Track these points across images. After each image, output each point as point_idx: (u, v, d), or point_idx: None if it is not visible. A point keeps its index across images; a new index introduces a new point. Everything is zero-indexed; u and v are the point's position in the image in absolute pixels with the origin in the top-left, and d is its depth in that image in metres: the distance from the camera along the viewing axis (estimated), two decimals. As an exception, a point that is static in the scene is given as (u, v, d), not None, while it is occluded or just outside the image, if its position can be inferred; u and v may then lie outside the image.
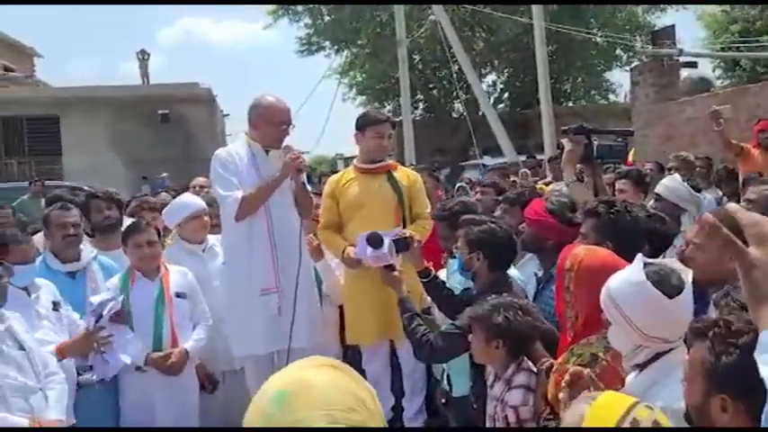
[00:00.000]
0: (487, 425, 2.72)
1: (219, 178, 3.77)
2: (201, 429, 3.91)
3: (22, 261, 3.34)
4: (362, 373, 4.00)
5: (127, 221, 4.32)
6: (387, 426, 1.09)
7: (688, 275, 2.03)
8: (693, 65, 13.36)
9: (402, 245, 3.42)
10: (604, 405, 1.34)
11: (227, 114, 23.07)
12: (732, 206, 1.13)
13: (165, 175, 13.71)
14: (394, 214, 3.99)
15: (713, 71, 19.36)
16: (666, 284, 1.95)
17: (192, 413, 3.86)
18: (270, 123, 3.81)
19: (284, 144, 3.83)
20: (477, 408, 2.97)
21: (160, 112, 17.25)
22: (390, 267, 3.31)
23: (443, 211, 3.86)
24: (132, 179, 15.29)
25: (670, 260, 2.10)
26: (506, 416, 2.54)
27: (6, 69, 21.79)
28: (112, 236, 4.24)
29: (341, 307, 4.30)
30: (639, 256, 2.09)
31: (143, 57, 19.92)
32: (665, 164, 6.20)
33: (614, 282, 2.03)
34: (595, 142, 3.87)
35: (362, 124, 4.11)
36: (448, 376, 3.45)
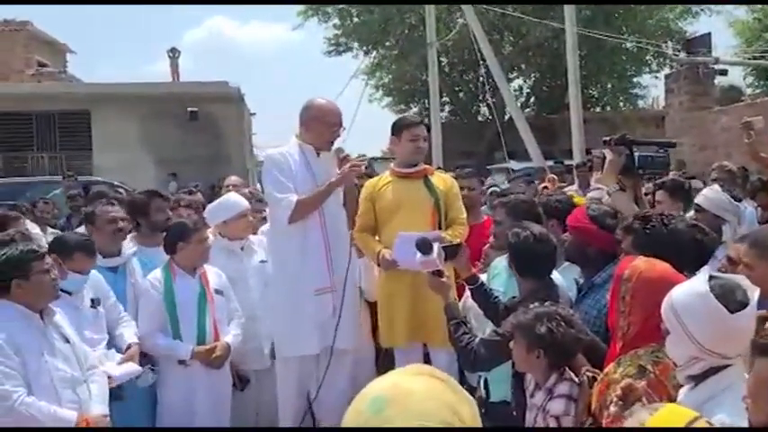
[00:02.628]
0: (527, 432, 2.73)
1: (274, 180, 3.81)
2: (233, 430, 3.97)
3: (80, 270, 3.44)
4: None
5: None
6: None
7: (755, 293, 1.97)
8: (724, 73, 13.22)
9: (451, 251, 3.43)
10: (666, 417, 1.34)
11: (254, 113, 23.24)
12: None
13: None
14: (430, 218, 4.01)
15: (744, 79, 19.13)
16: (730, 299, 1.93)
17: (225, 410, 3.94)
18: (323, 124, 3.89)
19: (335, 146, 3.93)
20: (516, 415, 2.98)
21: (189, 109, 17.38)
22: (439, 273, 3.30)
23: (507, 200, 3.90)
24: (160, 176, 15.43)
25: (738, 276, 2.06)
26: (548, 424, 2.54)
27: (40, 65, 22.15)
28: (144, 236, 4.30)
29: (372, 308, 4.33)
30: (706, 267, 2.09)
31: (174, 55, 20.13)
32: (698, 173, 6.14)
33: (677, 292, 2.01)
34: (636, 153, 3.87)
35: (398, 128, 4.14)
36: (485, 381, 3.45)
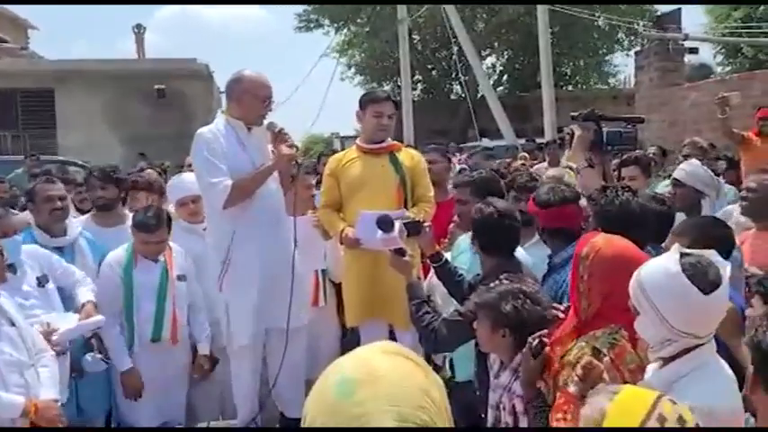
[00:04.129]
0: (490, 414, 2.67)
1: (206, 163, 3.56)
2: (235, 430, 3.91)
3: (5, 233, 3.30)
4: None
5: None
6: (451, 421, 1.01)
7: (726, 269, 1.90)
8: (695, 51, 13.27)
9: (413, 228, 3.35)
10: (627, 400, 1.27)
11: (224, 91, 22.83)
12: None
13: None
14: (395, 195, 3.92)
15: (714, 57, 19.27)
16: (703, 279, 1.84)
17: (182, 387, 3.90)
18: (256, 98, 3.67)
19: (267, 121, 3.72)
20: (479, 394, 2.92)
21: (156, 87, 17.03)
22: (401, 252, 3.21)
23: (471, 177, 3.81)
24: (128, 155, 15.13)
25: (709, 252, 1.96)
26: (514, 405, 2.47)
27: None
28: (108, 214, 4.20)
29: (338, 288, 4.28)
30: (677, 245, 1.97)
31: (139, 31, 19.68)
32: (667, 148, 6.13)
33: (647, 270, 1.91)
34: (605, 129, 3.82)
35: (364, 102, 4.03)
36: (451, 361, 3.40)
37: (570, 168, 3.86)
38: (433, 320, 2.93)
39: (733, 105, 5.74)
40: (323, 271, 4.21)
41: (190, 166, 5.72)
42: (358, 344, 3.67)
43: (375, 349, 1.03)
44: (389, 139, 4.10)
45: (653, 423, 1.21)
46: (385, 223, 3.20)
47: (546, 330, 2.41)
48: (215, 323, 3.95)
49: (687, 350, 1.88)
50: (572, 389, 1.97)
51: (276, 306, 3.65)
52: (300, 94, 26.07)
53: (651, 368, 1.97)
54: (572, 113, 3.93)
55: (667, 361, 1.91)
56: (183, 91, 17.60)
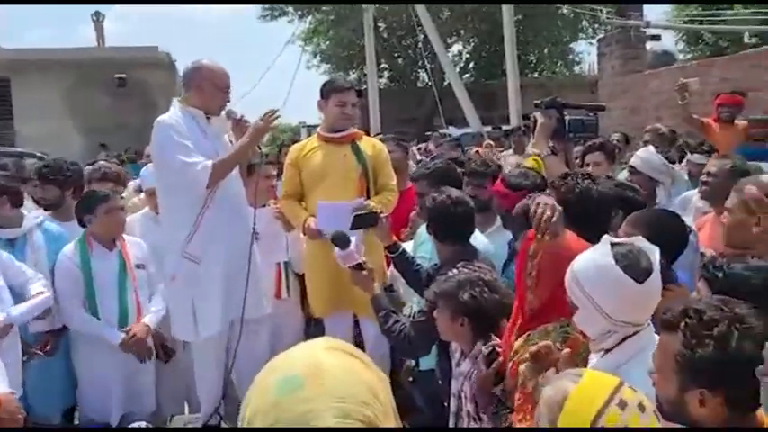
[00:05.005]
0: (452, 402, 2.67)
1: (179, 146, 3.48)
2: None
3: None
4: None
5: None
6: (398, 418, 0.99)
7: (656, 254, 1.91)
8: (657, 38, 13.43)
9: (369, 219, 3.31)
10: (591, 383, 1.27)
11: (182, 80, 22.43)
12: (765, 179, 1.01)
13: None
14: (357, 185, 3.89)
15: (676, 45, 19.53)
16: (636, 268, 1.85)
17: (147, 381, 3.83)
18: (216, 87, 3.63)
19: (225, 110, 3.68)
20: (441, 383, 2.92)
21: (117, 76, 16.68)
22: (359, 266, 3.15)
23: (427, 169, 3.78)
24: (89, 146, 14.82)
25: (637, 239, 1.99)
26: (475, 393, 2.47)
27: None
28: (58, 211, 4.09)
29: (301, 278, 4.25)
30: (606, 237, 1.98)
31: (98, 18, 19.21)
32: (630, 135, 6.18)
33: (580, 264, 1.92)
34: (567, 117, 3.83)
35: (326, 91, 3.98)
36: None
37: (538, 156, 3.86)
38: (402, 328, 2.91)
39: (692, 92, 5.80)
40: (285, 263, 4.17)
41: (148, 156, 5.62)
42: (323, 335, 3.65)
43: (318, 345, 1.00)
44: (351, 127, 4.06)
45: (613, 407, 1.21)
46: (341, 240, 3.13)
47: (499, 341, 2.41)
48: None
49: (626, 338, 1.90)
50: (522, 367, 1.97)
51: (239, 297, 3.61)
52: (266, 83, 25.86)
53: (592, 359, 1.97)
54: (535, 101, 3.94)
55: (608, 351, 1.92)
56: (145, 80, 17.28)
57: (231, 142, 3.74)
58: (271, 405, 0.92)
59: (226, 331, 3.71)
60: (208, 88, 3.61)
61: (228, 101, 3.72)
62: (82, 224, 3.76)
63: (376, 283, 3.14)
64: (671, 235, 2.54)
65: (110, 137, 14.99)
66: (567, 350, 1.90)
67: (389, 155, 4.30)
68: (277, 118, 3.72)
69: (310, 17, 22.09)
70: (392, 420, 0.97)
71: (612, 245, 1.91)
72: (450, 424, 2.67)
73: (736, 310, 1.51)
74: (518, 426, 2.09)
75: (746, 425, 1.48)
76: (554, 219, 2.21)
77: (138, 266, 3.79)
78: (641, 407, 1.22)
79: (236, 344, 3.65)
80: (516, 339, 2.22)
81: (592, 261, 1.90)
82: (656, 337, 1.74)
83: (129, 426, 3.42)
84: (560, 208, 2.27)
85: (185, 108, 3.62)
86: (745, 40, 15.66)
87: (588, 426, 1.18)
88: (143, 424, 3.37)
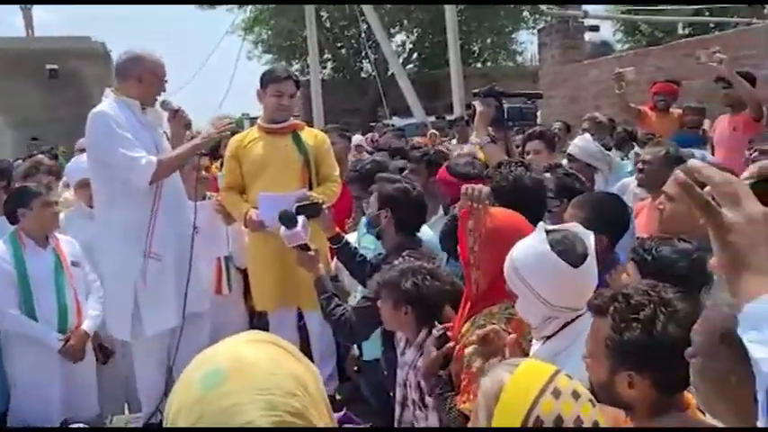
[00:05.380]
0: (398, 391, 2.66)
1: (121, 139, 3.35)
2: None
3: None
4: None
5: None
6: (329, 409, 0.96)
7: (590, 239, 1.95)
8: (596, 28, 13.72)
9: (312, 210, 3.27)
10: (526, 373, 1.27)
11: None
12: (695, 163, 1.01)
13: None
14: (299, 175, 3.85)
15: (614, 35, 20.02)
16: (571, 253, 1.89)
17: (88, 382, 3.74)
18: (156, 77, 3.55)
19: (159, 100, 3.61)
20: (387, 373, 2.91)
21: (48, 67, 16.08)
22: (305, 247, 3.12)
23: (355, 171, 3.75)
24: (20, 140, 14.25)
25: (572, 224, 2.03)
26: (420, 381, 2.46)
27: None
28: None
29: (243, 273, 4.20)
30: (541, 224, 2.01)
31: (26, 6, 18.46)
32: (570, 125, 6.29)
33: (518, 252, 1.95)
34: (506, 105, 3.86)
35: (264, 81, 3.94)
36: (358, 341, 3.37)
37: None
38: (344, 312, 2.89)
39: (629, 81, 5.94)
40: (226, 257, 4.10)
41: (82, 150, 5.43)
42: (267, 330, 3.60)
43: (242, 339, 0.98)
44: (292, 118, 4.00)
45: (548, 396, 1.21)
46: (288, 219, 3.09)
47: (450, 324, 2.41)
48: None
49: (566, 325, 1.93)
50: (468, 350, 1.97)
51: (182, 291, 3.54)
52: (206, 73, 25.34)
53: (535, 346, 1.99)
54: (473, 90, 3.97)
55: (549, 338, 1.94)
56: (78, 71, 16.71)
57: (165, 133, 3.65)
58: (195, 401, 0.89)
59: (169, 329, 3.63)
60: (147, 79, 3.52)
61: (165, 90, 3.63)
62: (12, 220, 3.61)
63: (321, 265, 3.12)
64: (614, 216, 2.59)
65: (42, 130, 14.44)
66: (513, 335, 1.91)
67: (332, 146, 4.27)
68: (231, 127, 3.68)
69: (251, 6, 21.72)
70: (324, 411, 0.94)
71: (548, 231, 1.93)
72: (396, 414, 2.67)
73: (662, 295, 1.55)
74: (462, 407, 2.09)
75: (673, 405, 1.52)
76: (483, 193, 2.22)
77: (73, 264, 3.68)
78: (575, 394, 1.23)
79: (177, 340, 3.56)
80: (464, 323, 2.22)
81: (528, 248, 1.92)
82: None
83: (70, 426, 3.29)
84: (487, 188, 2.29)
85: (120, 98, 3.50)
86: (680, 30, 16.18)
87: (523, 416, 1.18)
88: (80, 426, 3.25)
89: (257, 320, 4.27)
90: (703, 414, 1.47)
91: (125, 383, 4.06)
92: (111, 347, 3.95)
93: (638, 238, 2.60)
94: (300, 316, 4.06)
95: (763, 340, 0.90)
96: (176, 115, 3.63)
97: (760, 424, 0.93)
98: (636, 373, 1.49)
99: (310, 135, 4.00)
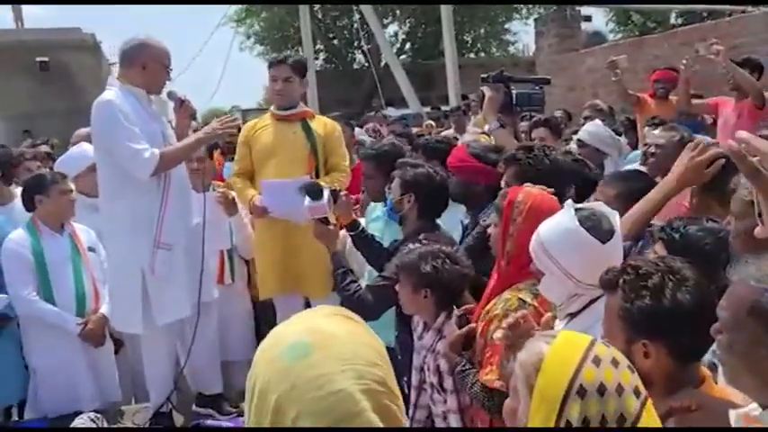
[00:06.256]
0: (414, 376, 2.66)
1: (124, 130, 3.31)
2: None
3: None
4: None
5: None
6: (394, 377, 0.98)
7: (616, 218, 2.00)
8: (589, 18, 13.74)
9: (314, 193, 3.26)
10: (564, 343, 1.27)
11: (114, 63, 21.65)
12: (743, 134, 1.06)
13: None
14: (306, 163, 3.84)
15: (606, 25, 20.06)
16: (599, 229, 1.93)
17: (112, 369, 3.78)
18: (161, 65, 3.52)
19: (166, 89, 3.61)
20: (402, 358, 2.90)
21: (39, 59, 15.89)
22: (326, 220, 3.12)
23: (373, 150, 3.74)
24: (12, 133, 14.11)
25: (597, 204, 2.08)
26: (438, 365, 2.47)
27: None
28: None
29: (248, 264, 4.22)
30: (569, 201, 2.05)
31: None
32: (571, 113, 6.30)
33: (545, 230, 1.97)
34: (514, 90, 3.85)
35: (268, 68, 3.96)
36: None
37: (486, 134, 3.87)
38: (358, 289, 2.89)
39: (622, 68, 5.96)
40: (229, 250, 4.11)
41: (75, 143, 5.36)
42: (274, 318, 3.57)
43: (318, 313, 1.01)
44: (302, 105, 3.99)
45: (589, 365, 1.21)
46: (314, 190, 3.09)
47: (471, 306, 2.42)
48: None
49: (592, 302, 1.95)
50: (497, 335, 1.98)
51: (192, 281, 3.55)
52: (198, 65, 25.16)
53: (558, 326, 2.00)
54: (482, 75, 3.96)
55: (573, 317, 1.95)
56: (69, 63, 16.54)
57: (170, 123, 3.64)
58: (283, 373, 0.92)
59: (183, 318, 3.62)
60: (153, 67, 3.48)
61: (170, 79, 3.60)
62: (29, 207, 3.64)
63: (338, 240, 3.13)
64: (645, 191, 2.59)
65: (34, 123, 14.31)
66: (548, 314, 1.92)
67: None
68: (236, 126, 3.66)
69: (243, -3, 21.59)
70: (395, 380, 0.97)
71: (576, 210, 1.96)
72: (412, 398, 2.67)
73: (670, 264, 1.58)
74: (484, 380, 2.10)
75: (688, 379, 1.54)
76: None
77: (90, 249, 3.70)
78: (614, 362, 1.23)
79: (193, 330, 3.56)
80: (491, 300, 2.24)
81: (557, 225, 1.95)
82: None
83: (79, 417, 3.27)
84: None
85: (125, 86, 3.47)
86: (672, 20, 16.22)
87: (566, 385, 1.18)
88: (92, 416, 3.23)
89: (260, 310, 4.28)
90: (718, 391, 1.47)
91: (132, 374, 4.05)
92: (120, 338, 3.94)
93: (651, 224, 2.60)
94: (307, 305, 4.06)
95: None
96: (182, 105, 3.62)
97: None
98: (650, 342, 1.51)
99: (320, 123, 3.99)
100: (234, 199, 3.99)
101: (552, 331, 1.45)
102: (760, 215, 1.19)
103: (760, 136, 3.84)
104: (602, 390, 1.16)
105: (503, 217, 2.26)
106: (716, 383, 1.58)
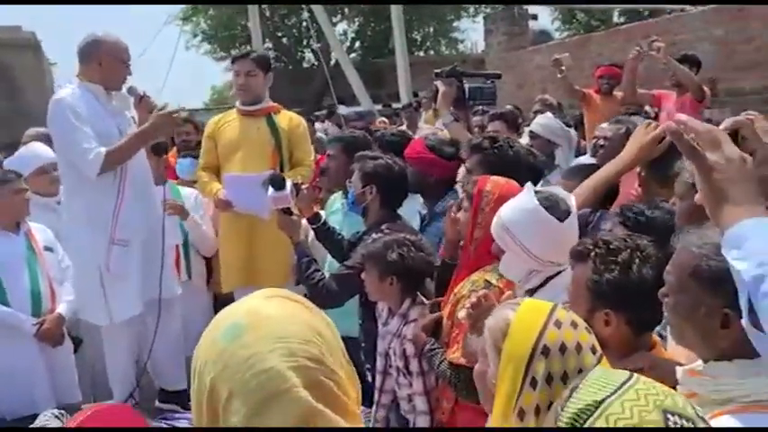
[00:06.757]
0: (379, 361, 2.73)
1: (73, 129, 3.35)
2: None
3: None
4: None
5: None
6: (346, 355, 1.02)
7: (572, 200, 2.13)
8: (535, 17, 14.05)
9: (277, 184, 3.31)
10: (528, 309, 1.37)
11: (55, 63, 21.06)
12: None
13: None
14: (270, 158, 3.88)
15: (552, 23, 20.52)
16: (557, 209, 2.06)
17: (70, 369, 3.69)
18: (118, 61, 3.53)
19: (126, 85, 3.60)
20: (365, 345, 2.98)
21: (-23, 58, 15.37)
22: (289, 211, 3.17)
23: (340, 137, 3.82)
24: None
25: (555, 188, 2.22)
26: (405, 349, 2.55)
27: None
28: None
29: (207, 260, 4.26)
30: (529, 184, 2.17)
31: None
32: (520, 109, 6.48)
33: (506, 210, 2.10)
34: (466, 85, 3.97)
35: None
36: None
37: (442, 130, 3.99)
38: (322, 277, 2.95)
39: (567, 66, 6.17)
40: (184, 245, 4.13)
41: (26, 143, 5.26)
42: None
43: (259, 295, 1.03)
44: (268, 100, 4.02)
45: (551, 327, 1.32)
46: (277, 181, 3.14)
47: (440, 299, 2.52)
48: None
49: (549, 279, 2.08)
50: (461, 314, 2.08)
51: (155, 278, 3.53)
52: (143, 64, 24.61)
53: None
54: (436, 71, 4.06)
55: (533, 294, 2.07)
56: (8, 62, 16.01)
57: (133, 118, 3.63)
58: (218, 354, 0.94)
59: (143, 314, 3.61)
60: (109, 62, 3.50)
61: (130, 74, 3.60)
62: None
63: (301, 230, 3.18)
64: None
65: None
66: (509, 292, 2.02)
67: None
68: (179, 118, 3.70)
69: (189, -5, 21.27)
70: (341, 357, 0.99)
71: (535, 192, 2.10)
72: (378, 383, 2.74)
73: (637, 242, 1.73)
74: (450, 358, 2.20)
75: (642, 343, 1.69)
76: None
77: (46, 249, 3.64)
78: (573, 324, 1.35)
79: (155, 325, 3.56)
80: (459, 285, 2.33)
81: (518, 206, 2.08)
82: None
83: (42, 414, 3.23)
84: None
85: (83, 83, 3.47)
86: (615, 19, 16.72)
87: (531, 346, 1.28)
88: (56, 413, 3.20)
89: (220, 305, 4.29)
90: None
91: (92, 373, 4.02)
92: (78, 336, 3.90)
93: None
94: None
95: (744, 256, 1.08)
96: (141, 101, 3.62)
97: (743, 323, 1.10)
98: (613, 312, 1.65)
99: (285, 118, 4.03)
100: (183, 206, 4.02)
101: (517, 299, 1.55)
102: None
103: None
104: (563, 348, 1.28)
105: (472, 205, 2.36)
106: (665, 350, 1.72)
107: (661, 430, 0.88)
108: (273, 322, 0.95)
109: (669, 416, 0.90)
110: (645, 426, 0.89)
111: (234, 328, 0.95)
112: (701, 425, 0.92)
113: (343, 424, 0.94)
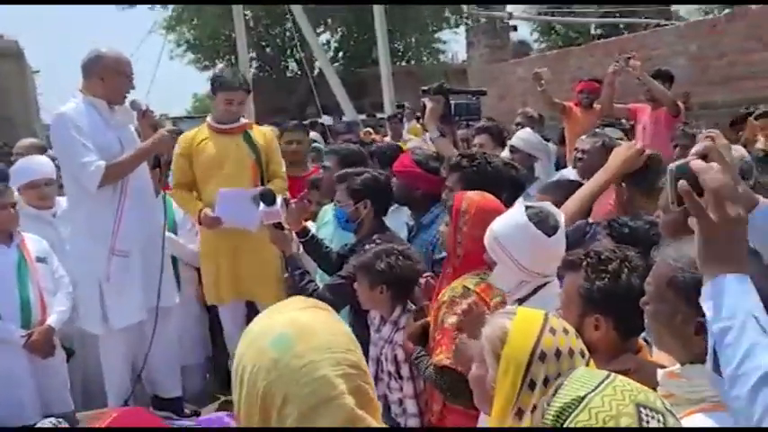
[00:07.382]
0: (370, 366, 2.84)
1: (74, 142, 3.45)
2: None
3: None
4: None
5: None
6: (363, 356, 1.13)
7: (561, 216, 2.26)
8: (515, 28, 14.28)
9: (268, 199, 3.41)
10: (524, 318, 1.48)
11: (38, 71, 20.93)
12: (697, 165, 1.28)
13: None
14: (251, 173, 3.98)
15: (531, 35, 20.82)
16: (545, 225, 2.19)
17: (62, 379, 3.73)
18: (120, 75, 3.63)
19: (129, 99, 3.70)
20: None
21: (-43, 67, 15.27)
22: (280, 225, 3.27)
23: (335, 150, 3.94)
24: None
25: (545, 203, 2.34)
26: (396, 354, 2.67)
27: None
28: None
29: (198, 271, 4.32)
30: (521, 199, 2.32)
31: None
32: (501, 121, 6.63)
33: (499, 225, 2.23)
34: (453, 101, 4.11)
35: (215, 87, 4.06)
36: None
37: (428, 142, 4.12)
38: (316, 288, 3.06)
39: (546, 80, 6.36)
40: (172, 255, 4.17)
41: (20, 154, 5.34)
42: (219, 323, 3.69)
43: (292, 306, 1.14)
44: (243, 117, 4.13)
45: (547, 334, 1.43)
46: (268, 197, 3.25)
47: (427, 303, 2.64)
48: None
49: (538, 288, 2.22)
50: (449, 321, 2.21)
51: (149, 286, 3.61)
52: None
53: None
54: (423, 88, 4.20)
55: (521, 303, 2.20)
56: (-8, 71, 15.91)
57: (137, 131, 3.72)
58: (271, 362, 1.04)
59: (141, 321, 3.69)
60: (111, 77, 3.59)
61: (133, 88, 3.69)
62: None
63: (294, 244, 3.29)
64: None
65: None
66: (497, 301, 2.16)
67: (297, 145, 4.47)
68: (176, 129, 3.78)
69: (172, 5, 21.29)
70: (364, 362, 1.11)
71: (526, 207, 2.23)
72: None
73: (626, 253, 1.88)
74: (436, 360, 2.32)
75: (629, 347, 1.83)
76: None
77: (39, 260, 3.68)
78: (565, 330, 1.47)
79: (152, 333, 3.64)
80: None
81: (510, 221, 2.21)
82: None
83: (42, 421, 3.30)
84: None
85: (87, 98, 3.58)
86: (592, 31, 17.03)
87: (530, 352, 1.40)
88: (54, 421, 3.26)
89: (212, 314, 4.39)
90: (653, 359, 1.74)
91: (84, 383, 4.06)
92: (71, 347, 3.94)
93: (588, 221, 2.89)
94: (251, 309, 4.15)
95: (716, 308, 1.21)
96: (144, 115, 3.70)
97: (707, 368, 1.24)
98: (602, 317, 1.79)
99: (260, 134, 4.14)
100: None
101: (511, 308, 1.67)
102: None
103: (675, 144, 4.23)
104: (558, 353, 1.40)
105: (452, 222, 2.49)
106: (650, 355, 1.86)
107: (634, 430, 1.04)
108: (318, 332, 1.07)
109: (641, 409, 1.07)
110: (622, 417, 1.05)
111: (283, 338, 1.06)
112: (670, 418, 1.09)
113: (375, 425, 1.07)
